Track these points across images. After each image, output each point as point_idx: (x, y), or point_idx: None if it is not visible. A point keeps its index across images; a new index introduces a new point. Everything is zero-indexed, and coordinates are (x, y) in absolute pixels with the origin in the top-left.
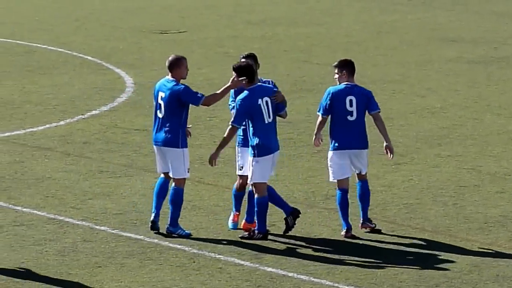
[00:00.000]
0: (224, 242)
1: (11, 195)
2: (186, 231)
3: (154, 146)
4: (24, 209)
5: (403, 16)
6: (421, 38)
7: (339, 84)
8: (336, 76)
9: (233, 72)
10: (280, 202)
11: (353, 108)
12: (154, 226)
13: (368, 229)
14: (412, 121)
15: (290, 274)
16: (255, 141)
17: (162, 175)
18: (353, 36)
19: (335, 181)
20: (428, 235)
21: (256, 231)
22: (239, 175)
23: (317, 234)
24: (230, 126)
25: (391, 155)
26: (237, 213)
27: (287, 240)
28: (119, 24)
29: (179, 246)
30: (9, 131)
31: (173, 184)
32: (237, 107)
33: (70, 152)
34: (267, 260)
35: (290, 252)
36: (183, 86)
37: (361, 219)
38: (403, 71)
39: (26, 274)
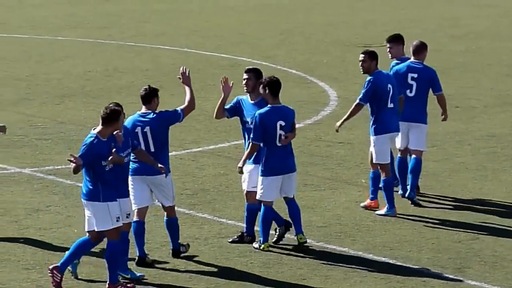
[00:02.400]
0: (428, 255)
1: (215, 207)
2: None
3: None
4: (229, 222)
5: None
6: None
7: (393, 58)
8: (389, 49)
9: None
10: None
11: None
12: None
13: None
14: None
15: None
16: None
17: None
18: None
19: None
20: None
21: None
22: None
23: None
24: None
25: None
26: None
27: (491, 253)
28: (323, 38)
29: (383, 259)
30: (214, 144)
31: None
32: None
33: None
34: (471, 273)
35: (494, 265)
36: None
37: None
38: None
39: (231, 286)
